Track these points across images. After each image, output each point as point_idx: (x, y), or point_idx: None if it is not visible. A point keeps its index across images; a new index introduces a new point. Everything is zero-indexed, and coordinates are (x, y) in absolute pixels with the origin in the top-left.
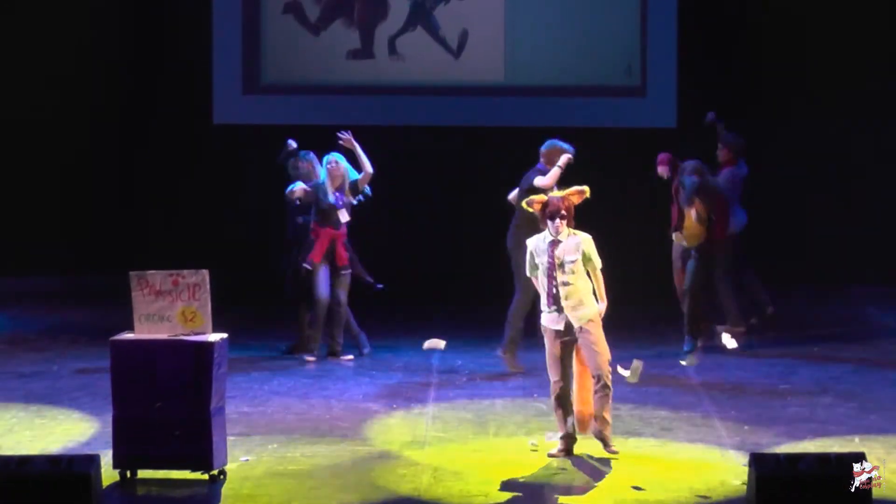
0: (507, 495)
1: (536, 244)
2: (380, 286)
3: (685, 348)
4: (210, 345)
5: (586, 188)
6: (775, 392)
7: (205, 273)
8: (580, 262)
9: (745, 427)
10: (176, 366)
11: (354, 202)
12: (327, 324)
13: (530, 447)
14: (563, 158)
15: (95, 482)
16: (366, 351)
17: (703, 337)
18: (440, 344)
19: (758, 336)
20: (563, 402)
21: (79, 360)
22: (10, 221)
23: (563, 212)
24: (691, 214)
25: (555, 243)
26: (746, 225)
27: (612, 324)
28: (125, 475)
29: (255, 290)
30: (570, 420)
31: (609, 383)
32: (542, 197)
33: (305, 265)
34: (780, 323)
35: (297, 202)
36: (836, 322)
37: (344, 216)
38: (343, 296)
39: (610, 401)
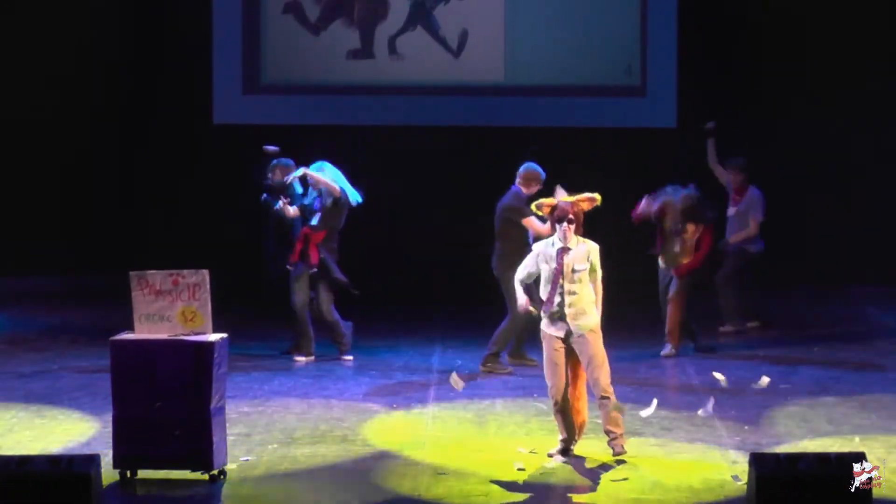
0: (507, 495)
1: (544, 250)
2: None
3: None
4: (210, 345)
5: (597, 196)
6: (775, 392)
7: (205, 273)
8: (587, 272)
9: (745, 427)
10: (176, 366)
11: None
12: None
13: (516, 469)
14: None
15: (95, 482)
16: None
17: (679, 344)
18: (459, 384)
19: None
20: (562, 407)
21: (79, 360)
22: (10, 221)
23: (572, 216)
24: (684, 237)
25: (564, 250)
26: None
27: (613, 324)
28: (125, 475)
29: (255, 290)
30: (569, 424)
31: (608, 395)
32: (551, 200)
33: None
34: (781, 323)
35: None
36: (836, 322)
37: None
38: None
39: (612, 409)
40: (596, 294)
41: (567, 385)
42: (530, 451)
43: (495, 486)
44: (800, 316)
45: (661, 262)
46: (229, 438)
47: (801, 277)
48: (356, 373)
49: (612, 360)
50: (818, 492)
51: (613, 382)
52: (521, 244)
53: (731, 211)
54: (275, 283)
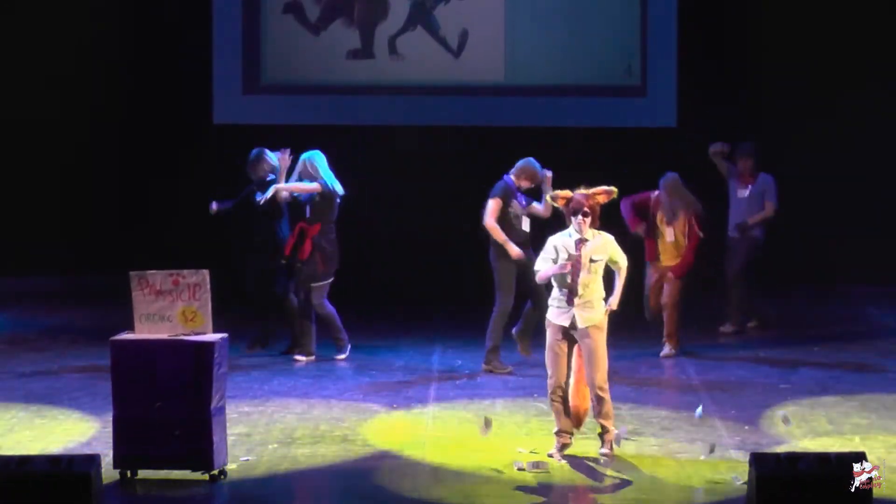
0: (507, 495)
1: (562, 241)
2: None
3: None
4: (210, 344)
5: (614, 189)
6: (776, 392)
7: (205, 273)
8: (602, 263)
9: (746, 427)
10: (176, 366)
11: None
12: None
13: (516, 469)
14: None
15: (95, 482)
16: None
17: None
18: (487, 429)
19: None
20: (561, 398)
21: (79, 360)
22: (10, 221)
23: (587, 209)
24: (675, 225)
25: (582, 241)
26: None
27: (613, 324)
28: (125, 475)
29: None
30: (561, 417)
31: (602, 395)
32: (566, 193)
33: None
34: (781, 323)
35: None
36: (836, 322)
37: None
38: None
39: (605, 408)
40: (620, 283)
41: (567, 375)
42: (530, 451)
43: (495, 486)
44: (800, 316)
45: (656, 269)
46: (229, 438)
47: (801, 277)
48: (356, 373)
49: (612, 360)
50: (818, 492)
51: (613, 382)
52: (509, 229)
53: (743, 193)
54: (254, 276)
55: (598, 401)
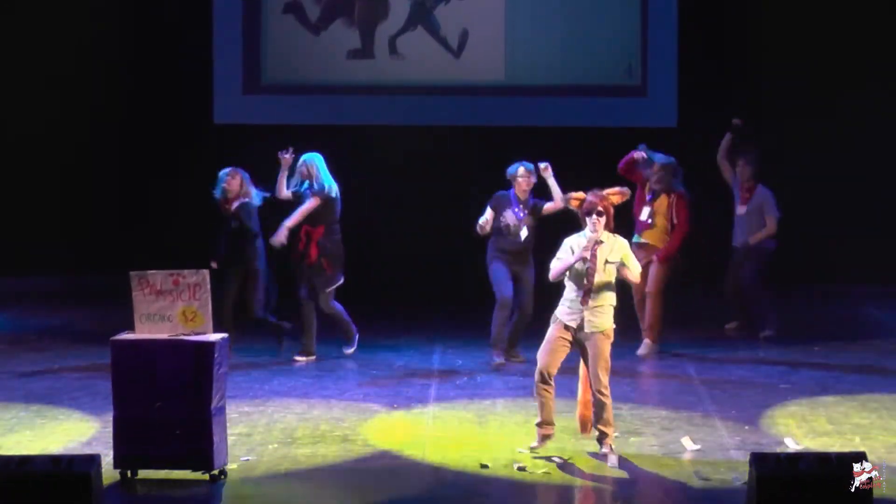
0: (508, 495)
1: (577, 241)
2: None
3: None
4: (210, 344)
5: (628, 190)
6: (776, 392)
7: (205, 273)
8: (615, 266)
9: (746, 427)
10: (176, 365)
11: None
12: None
13: (516, 469)
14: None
15: (96, 482)
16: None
17: (659, 340)
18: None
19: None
20: (543, 390)
21: (79, 360)
22: (10, 221)
23: (601, 209)
24: (654, 206)
25: (598, 242)
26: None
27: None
28: (125, 475)
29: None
30: (548, 408)
31: (604, 399)
32: (580, 194)
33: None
34: (776, 320)
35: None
36: (836, 322)
37: None
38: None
39: (606, 414)
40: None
41: (555, 370)
42: (530, 451)
43: (495, 486)
44: (800, 316)
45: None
46: (230, 438)
47: (801, 277)
48: (356, 373)
49: (612, 360)
50: (818, 492)
51: (613, 382)
52: (500, 238)
53: (742, 210)
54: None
55: (599, 405)
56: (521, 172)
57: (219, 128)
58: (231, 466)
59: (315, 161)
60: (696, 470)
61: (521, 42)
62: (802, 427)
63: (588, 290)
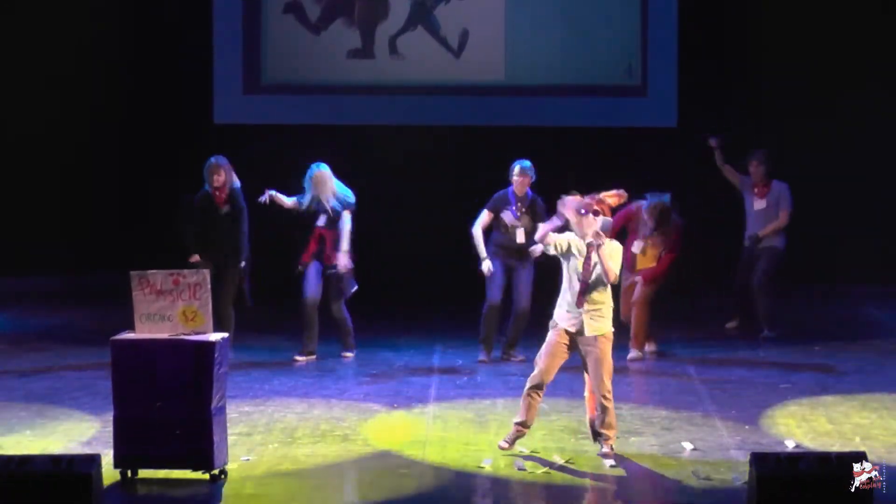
0: (508, 495)
1: (577, 241)
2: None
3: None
4: (211, 344)
5: (623, 192)
6: (776, 392)
7: (205, 272)
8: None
9: (746, 427)
10: (176, 365)
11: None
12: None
13: (517, 469)
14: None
15: (96, 482)
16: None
17: (645, 346)
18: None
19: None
20: (534, 393)
21: (79, 359)
22: (10, 221)
23: (597, 208)
24: (645, 242)
25: (599, 245)
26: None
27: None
28: (126, 475)
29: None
30: (532, 412)
31: (607, 403)
32: (575, 196)
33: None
34: (781, 323)
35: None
36: (836, 322)
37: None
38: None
39: (608, 418)
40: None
41: (551, 375)
42: (531, 452)
43: (496, 486)
44: (800, 316)
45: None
46: (230, 438)
47: (801, 277)
48: (357, 372)
49: (612, 360)
50: (818, 492)
51: (612, 381)
52: (500, 237)
53: (760, 205)
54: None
55: (602, 409)
56: (516, 172)
57: (219, 128)
58: (231, 466)
59: (325, 177)
60: (696, 470)
61: (521, 42)
62: (802, 427)
63: (583, 290)
